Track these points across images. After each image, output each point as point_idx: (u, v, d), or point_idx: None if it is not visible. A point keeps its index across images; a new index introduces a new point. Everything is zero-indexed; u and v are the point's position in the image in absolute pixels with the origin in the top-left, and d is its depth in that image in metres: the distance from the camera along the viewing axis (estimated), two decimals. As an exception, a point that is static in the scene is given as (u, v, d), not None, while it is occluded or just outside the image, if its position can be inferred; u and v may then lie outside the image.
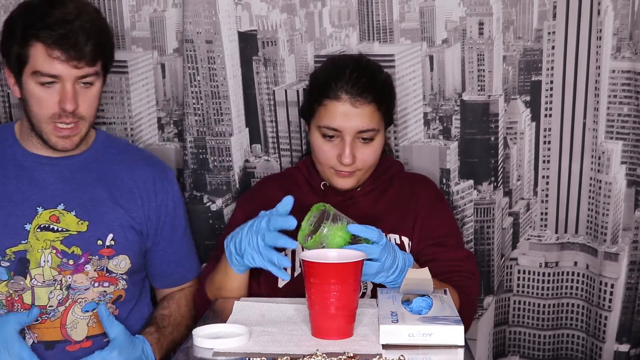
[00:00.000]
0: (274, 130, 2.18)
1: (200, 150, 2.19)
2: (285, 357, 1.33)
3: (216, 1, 2.09)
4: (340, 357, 1.33)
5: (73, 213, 1.79)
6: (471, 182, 2.17)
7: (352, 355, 1.33)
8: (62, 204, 1.79)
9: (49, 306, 1.76)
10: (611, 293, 2.15)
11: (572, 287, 2.22)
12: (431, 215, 1.85)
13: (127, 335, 1.65)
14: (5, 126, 1.89)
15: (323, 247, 1.55)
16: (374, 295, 1.76)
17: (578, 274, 2.21)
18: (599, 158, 2.12)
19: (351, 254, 1.48)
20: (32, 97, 1.71)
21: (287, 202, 1.60)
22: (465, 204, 2.17)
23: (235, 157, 2.19)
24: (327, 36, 2.12)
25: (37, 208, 1.77)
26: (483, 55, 2.12)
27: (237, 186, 2.18)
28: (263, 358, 1.33)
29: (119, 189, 1.85)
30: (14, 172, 1.79)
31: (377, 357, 1.33)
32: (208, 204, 2.17)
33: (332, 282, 1.42)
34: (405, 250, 1.79)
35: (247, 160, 2.20)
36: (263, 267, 1.60)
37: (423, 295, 1.54)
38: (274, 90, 2.16)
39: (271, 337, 1.44)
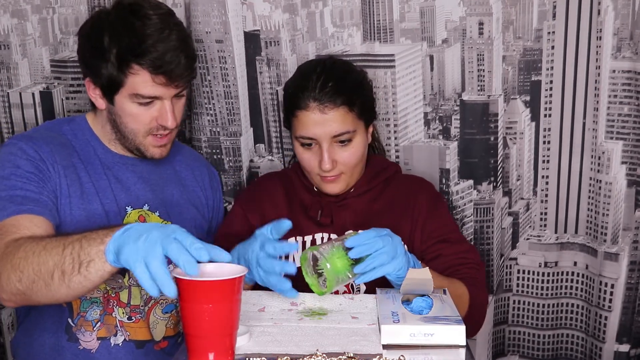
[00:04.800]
0: (277, 130, 2.19)
1: (214, 150, 2.19)
2: (285, 357, 1.33)
3: (225, 1, 2.10)
4: (340, 357, 1.33)
5: (157, 213, 1.82)
6: (471, 182, 2.17)
7: (352, 355, 1.33)
8: (146, 205, 1.82)
9: (141, 305, 1.79)
10: (611, 293, 2.15)
11: (571, 287, 2.22)
12: (432, 215, 1.85)
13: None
14: (78, 119, 1.85)
15: (342, 279, 1.53)
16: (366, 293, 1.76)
17: (578, 274, 2.21)
18: (599, 158, 2.12)
19: (231, 270, 1.33)
20: (127, 115, 1.72)
21: (283, 226, 1.57)
22: (464, 204, 2.17)
23: (244, 157, 2.19)
24: (329, 36, 2.12)
25: (127, 207, 1.79)
26: (483, 55, 2.12)
27: (245, 186, 2.19)
28: (263, 358, 1.33)
29: (187, 189, 1.90)
30: (100, 168, 1.80)
31: (378, 357, 1.33)
32: (225, 205, 2.16)
33: (204, 301, 1.26)
34: None
35: (251, 160, 2.21)
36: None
37: (423, 295, 1.54)
38: (277, 90, 2.16)
39: (271, 337, 1.44)
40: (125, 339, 1.78)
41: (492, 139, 2.15)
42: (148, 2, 1.71)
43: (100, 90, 1.72)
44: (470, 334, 1.79)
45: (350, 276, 1.53)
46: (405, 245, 1.64)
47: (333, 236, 1.81)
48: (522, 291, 2.24)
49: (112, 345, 1.76)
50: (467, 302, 1.72)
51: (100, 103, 1.75)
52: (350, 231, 1.63)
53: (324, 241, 1.82)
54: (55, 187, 1.69)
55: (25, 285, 1.45)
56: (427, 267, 1.57)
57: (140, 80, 1.67)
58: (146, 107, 1.71)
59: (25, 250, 1.46)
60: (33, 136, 1.75)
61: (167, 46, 1.66)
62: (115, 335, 1.76)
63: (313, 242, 1.83)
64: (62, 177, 1.71)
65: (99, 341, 1.75)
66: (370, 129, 1.88)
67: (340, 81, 1.76)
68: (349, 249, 1.52)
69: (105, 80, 1.69)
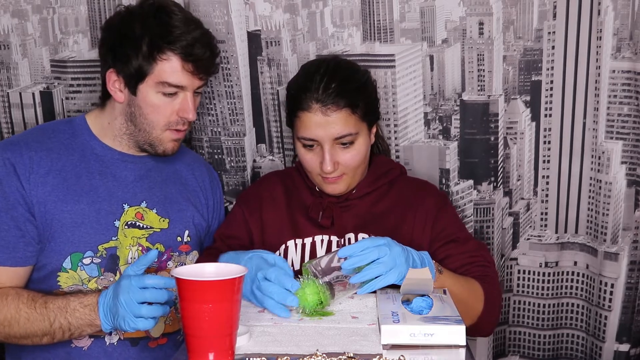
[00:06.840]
0: (279, 130, 2.19)
1: (215, 150, 2.20)
2: (285, 357, 1.33)
3: (228, 1, 2.10)
4: (340, 357, 1.33)
5: (154, 211, 1.84)
6: (471, 182, 2.17)
7: (352, 355, 1.33)
8: (144, 202, 1.83)
9: None
10: (611, 293, 2.15)
11: (572, 287, 2.22)
12: (440, 217, 1.84)
13: None
14: (77, 120, 1.87)
15: (322, 304, 1.55)
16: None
17: (578, 274, 2.21)
18: (599, 158, 2.12)
19: (231, 270, 1.34)
20: (149, 105, 1.75)
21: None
22: (465, 204, 2.17)
23: (247, 157, 2.20)
24: (329, 36, 2.12)
25: (123, 205, 1.80)
26: (483, 55, 2.12)
27: (248, 186, 2.18)
28: (263, 358, 1.33)
29: (186, 187, 1.92)
30: (97, 167, 1.81)
31: (377, 357, 1.33)
32: (226, 205, 2.16)
33: (204, 301, 1.27)
34: None
35: (254, 160, 2.21)
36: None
37: (423, 295, 1.54)
38: (277, 90, 2.16)
39: (271, 337, 1.44)
40: (120, 337, 1.78)
41: (492, 139, 2.15)
42: (170, 2, 1.79)
43: (124, 81, 1.75)
44: (487, 331, 1.80)
45: (325, 303, 1.54)
46: (410, 249, 1.61)
47: (333, 238, 1.81)
48: (523, 291, 2.24)
49: (108, 344, 1.77)
50: (483, 300, 1.71)
51: (120, 96, 1.77)
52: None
53: (323, 244, 1.82)
54: (30, 207, 1.72)
55: (11, 340, 1.69)
56: (427, 268, 1.57)
57: (170, 67, 1.72)
58: (169, 98, 1.75)
59: (5, 316, 1.66)
60: (15, 142, 1.78)
61: (195, 37, 1.73)
62: (110, 334, 1.77)
63: (313, 244, 1.82)
64: (40, 185, 1.73)
65: (92, 339, 1.76)
66: (374, 129, 1.86)
67: (343, 83, 1.74)
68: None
69: (134, 68, 1.72)
